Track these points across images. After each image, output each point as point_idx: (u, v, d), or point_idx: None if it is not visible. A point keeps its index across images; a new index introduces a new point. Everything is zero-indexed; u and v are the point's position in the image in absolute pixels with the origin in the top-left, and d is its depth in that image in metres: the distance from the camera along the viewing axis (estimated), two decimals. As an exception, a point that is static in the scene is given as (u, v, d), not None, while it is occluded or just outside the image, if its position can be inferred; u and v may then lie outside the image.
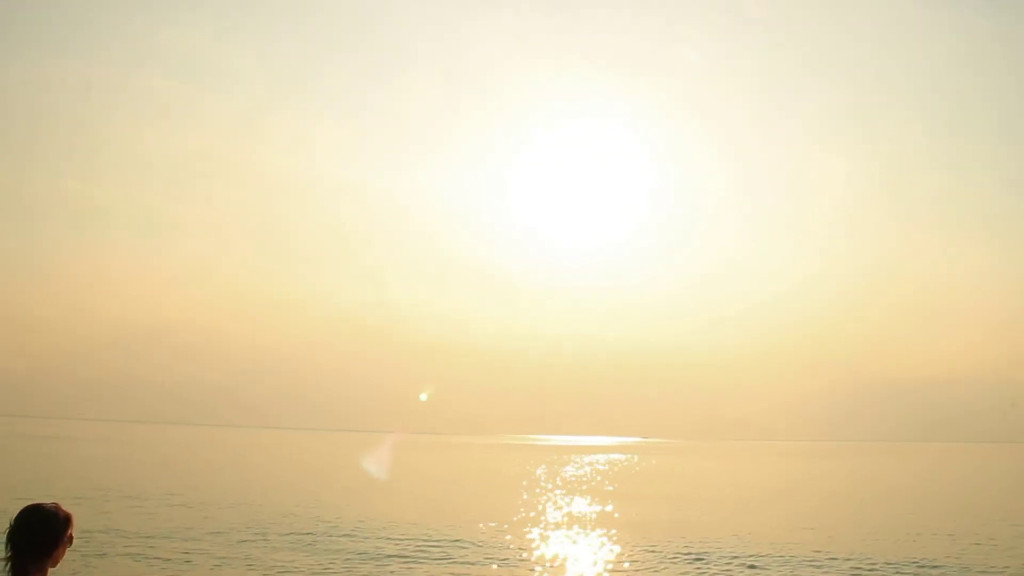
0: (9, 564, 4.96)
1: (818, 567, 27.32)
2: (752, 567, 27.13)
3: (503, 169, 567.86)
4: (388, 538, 31.28)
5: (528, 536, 34.21)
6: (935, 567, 27.91)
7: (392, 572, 25.35)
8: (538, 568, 26.84)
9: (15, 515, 5.07)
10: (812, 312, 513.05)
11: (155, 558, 26.59)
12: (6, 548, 4.97)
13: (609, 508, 47.36)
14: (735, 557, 28.88)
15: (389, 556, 27.69)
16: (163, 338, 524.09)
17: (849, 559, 28.97)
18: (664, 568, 26.82)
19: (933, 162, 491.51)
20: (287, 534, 31.95)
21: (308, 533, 32.24)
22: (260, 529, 32.88)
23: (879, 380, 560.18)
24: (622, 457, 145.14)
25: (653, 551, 29.99)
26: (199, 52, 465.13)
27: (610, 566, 27.50)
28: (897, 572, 26.74)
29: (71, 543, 5.09)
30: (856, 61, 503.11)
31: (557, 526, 38.30)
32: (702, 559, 28.38)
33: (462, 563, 26.67)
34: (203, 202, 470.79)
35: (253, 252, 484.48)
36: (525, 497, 53.46)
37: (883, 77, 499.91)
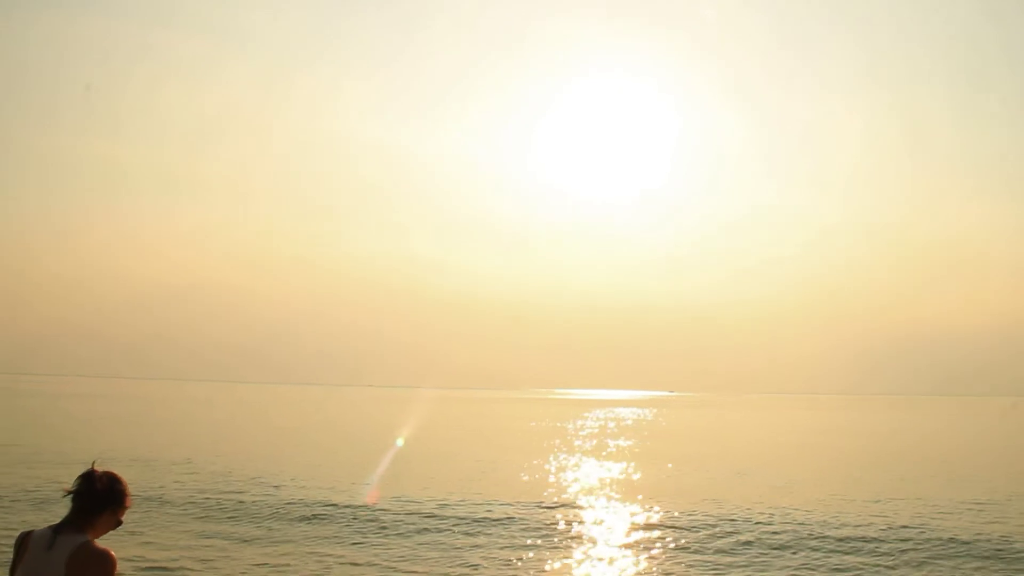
0: (72, 497, 5.30)
1: (843, 523, 27.58)
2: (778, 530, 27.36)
3: (527, 123, 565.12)
4: (406, 502, 31.37)
5: (560, 494, 34.54)
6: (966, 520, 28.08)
7: (417, 534, 25.69)
8: (565, 533, 27.11)
9: (100, 468, 5.40)
10: (832, 265, 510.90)
11: (206, 509, 27.13)
12: (75, 484, 5.32)
13: (632, 465, 47.75)
14: (769, 517, 29.14)
15: (407, 521, 27.85)
16: (188, 296, 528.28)
17: (879, 516, 29.15)
18: (691, 527, 27.06)
19: (953, 113, 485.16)
20: (319, 489, 32.34)
21: (329, 502, 32.48)
22: (297, 479, 33.35)
23: (900, 333, 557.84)
24: (648, 412, 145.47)
25: (680, 508, 30.26)
26: (222, 9, 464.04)
27: (633, 525, 27.78)
28: (935, 519, 26.91)
29: (116, 526, 5.38)
30: (874, 12, 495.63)
31: (582, 486, 38.68)
32: (733, 520, 28.61)
33: (478, 532, 26.68)
34: (226, 160, 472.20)
35: (277, 210, 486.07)
36: (555, 450, 53.87)
37: (902, 28, 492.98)
